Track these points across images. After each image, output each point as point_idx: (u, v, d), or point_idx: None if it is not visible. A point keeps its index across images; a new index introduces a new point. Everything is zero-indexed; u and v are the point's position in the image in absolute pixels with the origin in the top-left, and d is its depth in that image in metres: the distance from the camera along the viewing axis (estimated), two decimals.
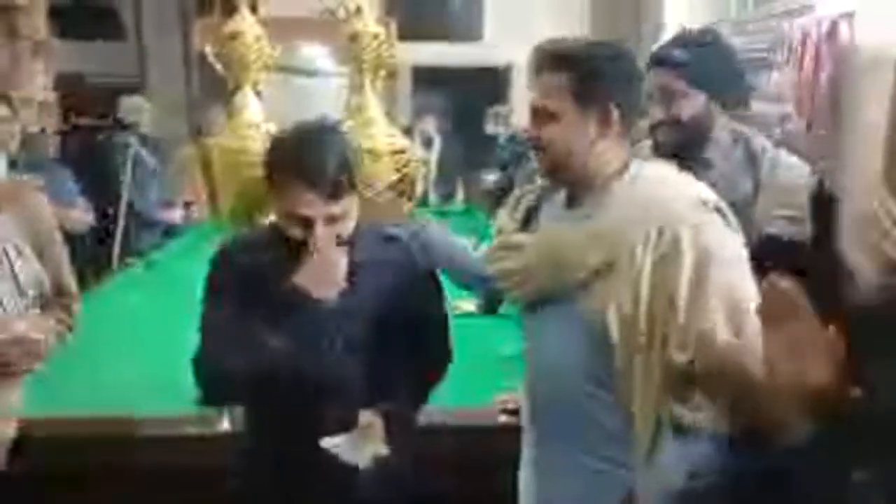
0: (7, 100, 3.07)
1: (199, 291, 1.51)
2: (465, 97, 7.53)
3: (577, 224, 1.32)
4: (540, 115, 1.31)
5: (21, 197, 1.75)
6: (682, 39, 1.69)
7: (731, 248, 1.24)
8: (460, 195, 5.97)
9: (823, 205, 1.54)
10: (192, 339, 1.47)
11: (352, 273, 1.45)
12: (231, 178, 2.13)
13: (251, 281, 1.44)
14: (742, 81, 1.76)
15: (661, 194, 1.28)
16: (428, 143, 5.82)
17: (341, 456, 1.38)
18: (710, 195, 1.29)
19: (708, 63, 1.63)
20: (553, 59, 1.30)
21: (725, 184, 1.56)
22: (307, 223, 1.41)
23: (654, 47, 1.72)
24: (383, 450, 1.41)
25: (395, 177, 2.17)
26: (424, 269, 1.60)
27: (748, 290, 1.18)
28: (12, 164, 2.00)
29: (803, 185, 1.56)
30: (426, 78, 6.86)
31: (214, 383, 1.46)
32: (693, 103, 1.63)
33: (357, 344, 1.48)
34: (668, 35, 5.12)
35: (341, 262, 1.43)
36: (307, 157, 1.39)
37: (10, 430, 1.70)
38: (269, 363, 1.39)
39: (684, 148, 1.64)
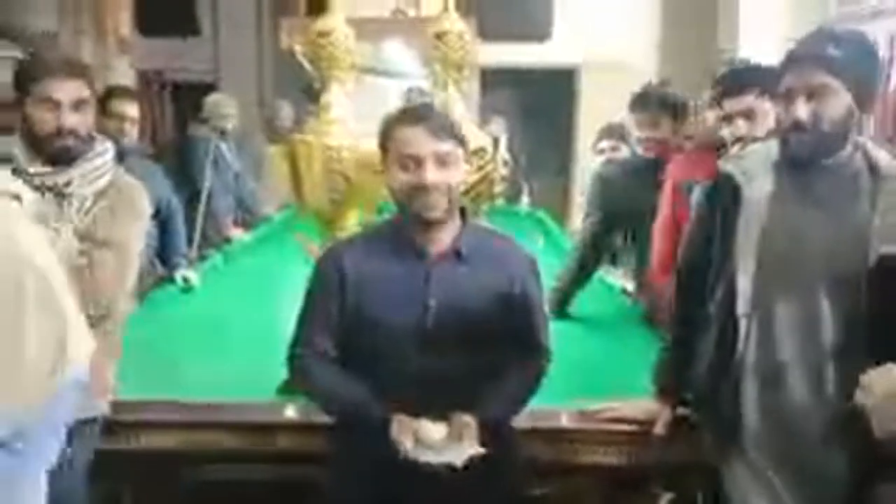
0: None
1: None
2: (532, 98, 7.53)
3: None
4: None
5: None
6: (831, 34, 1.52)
7: None
8: (526, 197, 5.94)
9: None
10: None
11: (459, 253, 1.51)
12: (318, 175, 2.18)
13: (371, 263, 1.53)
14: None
15: None
16: (495, 145, 5.79)
17: (435, 455, 1.37)
18: None
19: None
20: None
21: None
22: (417, 162, 1.44)
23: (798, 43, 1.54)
24: (478, 450, 1.39)
25: (475, 176, 2.18)
26: (530, 267, 1.62)
27: None
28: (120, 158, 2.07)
29: None
30: (494, 79, 6.87)
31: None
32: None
33: (457, 328, 1.49)
34: (744, 36, 5.01)
35: (451, 224, 1.51)
36: (412, 108, 1.60)
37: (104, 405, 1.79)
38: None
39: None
